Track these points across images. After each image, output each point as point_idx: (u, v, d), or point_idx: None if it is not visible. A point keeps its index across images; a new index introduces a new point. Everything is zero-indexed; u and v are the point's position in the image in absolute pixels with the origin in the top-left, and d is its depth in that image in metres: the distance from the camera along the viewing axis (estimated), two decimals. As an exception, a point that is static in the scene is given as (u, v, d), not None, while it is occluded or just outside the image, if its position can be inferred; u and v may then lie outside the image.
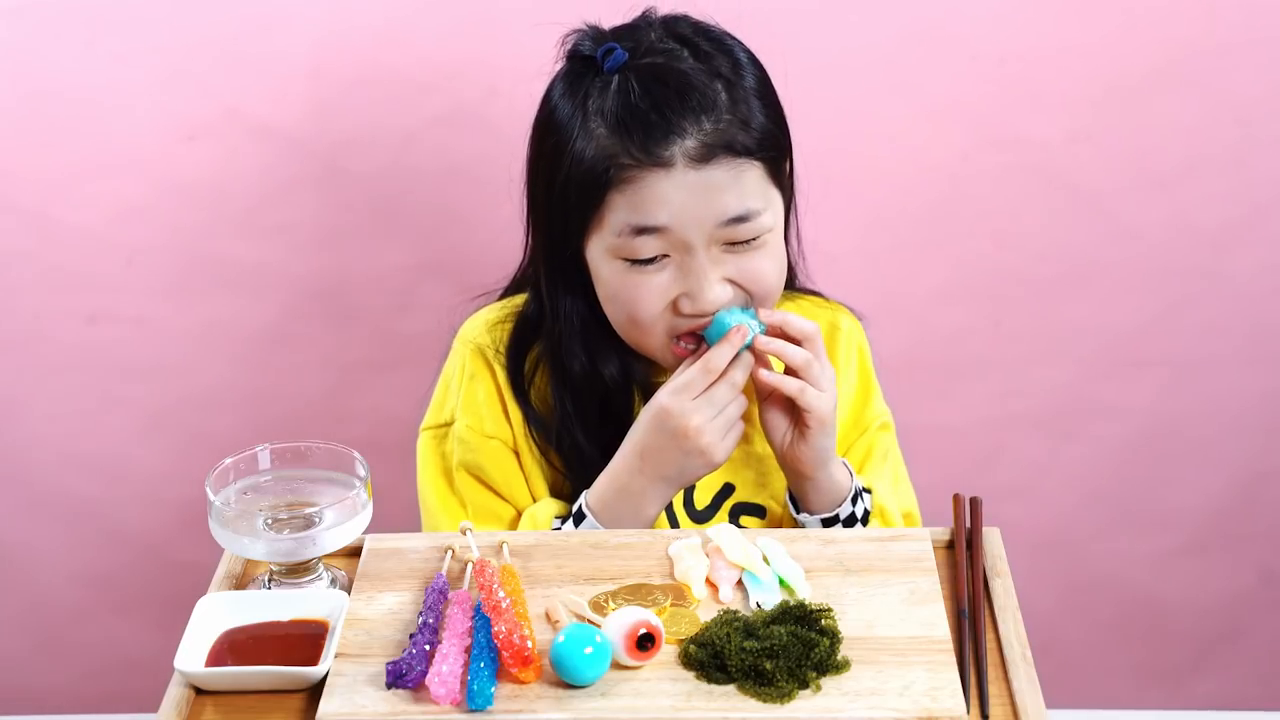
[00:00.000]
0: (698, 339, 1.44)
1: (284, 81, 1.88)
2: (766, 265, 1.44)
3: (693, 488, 1.53)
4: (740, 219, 1.40)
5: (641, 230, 1.39)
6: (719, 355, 1.40)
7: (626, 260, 1.41)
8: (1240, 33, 1.87)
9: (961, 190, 1.93)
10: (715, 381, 1.41)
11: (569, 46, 1.46)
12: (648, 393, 1.49)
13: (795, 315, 1.43)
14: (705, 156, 1.38)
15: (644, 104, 1.38)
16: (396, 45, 1.87)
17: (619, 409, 1.50)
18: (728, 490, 1.54)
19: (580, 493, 1.48)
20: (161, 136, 1.90)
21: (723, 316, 1.42)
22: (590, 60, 1.43)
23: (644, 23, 1.46)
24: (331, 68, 1.88)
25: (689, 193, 1.38)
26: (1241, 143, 1.92)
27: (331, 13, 1.86)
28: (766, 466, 1.52)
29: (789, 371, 1.43)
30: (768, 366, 1.43)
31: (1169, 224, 1.95)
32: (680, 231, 1.39)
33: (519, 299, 1.56)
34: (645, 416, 1.43)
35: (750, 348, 1.42)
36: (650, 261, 1.41)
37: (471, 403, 1.53)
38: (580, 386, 1.50)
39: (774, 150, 1.43)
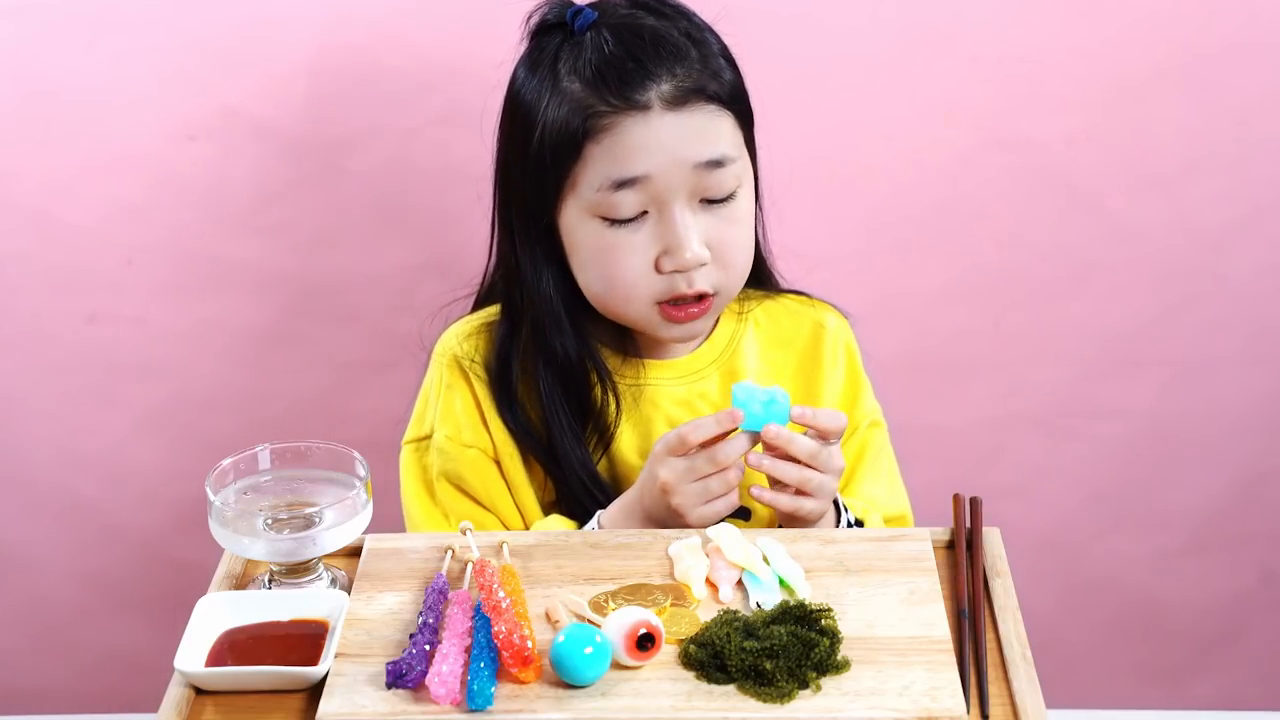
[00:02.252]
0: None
1: (283, 81, 1.88)
2: (738, 235, 1.45)
3: None
4: (716, 163, 1.41)
5: (621, 184, 1.40)
6: (698, 430, 1.37)
7: (605, 220, 1.42)
8: (1240, 33, 1.87)
9: (961, 191, 1.93)
10: (699, 450, 1.38)
11: (534, 22, 1.48)
12: (606, 377, 1.50)
13: (825, 411, 1.38)
14: (681, 101, 1.40)
15: (619, 51, 1.41)
16: (396, 45, 1.87)
17: (592, 398, 1.50)
18: None
19: (567, 498, 1.49)
20: (161, 136, 1.90)
21: (744, 399, 1.37)
22: (557, 27, 1.45)
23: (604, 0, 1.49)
24: (330, 67, 1.88)
25: (666, 136, 1.40)
26: (1241, 143, 1.92)
27: (331, 12, 1.86)
28: (749, 470, 1.51)
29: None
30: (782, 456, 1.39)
31: (1169, 224, 1.95)
32: (660, 179, 1.40)
33: (491, 310, 1.56)
34: (651, 452, 1.42)
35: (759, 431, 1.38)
36: (629, 221, 1.41)
37: (449, 413, 1.53)
38: (566, 372, 1.49)
39: (743, 105, 1.46)
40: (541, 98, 1.43)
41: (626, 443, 1.52)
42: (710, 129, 1.41)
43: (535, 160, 1.43)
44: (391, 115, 1.89)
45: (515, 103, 1.47)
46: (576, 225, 1.44)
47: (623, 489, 1.48)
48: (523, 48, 1.49)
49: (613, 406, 1.51)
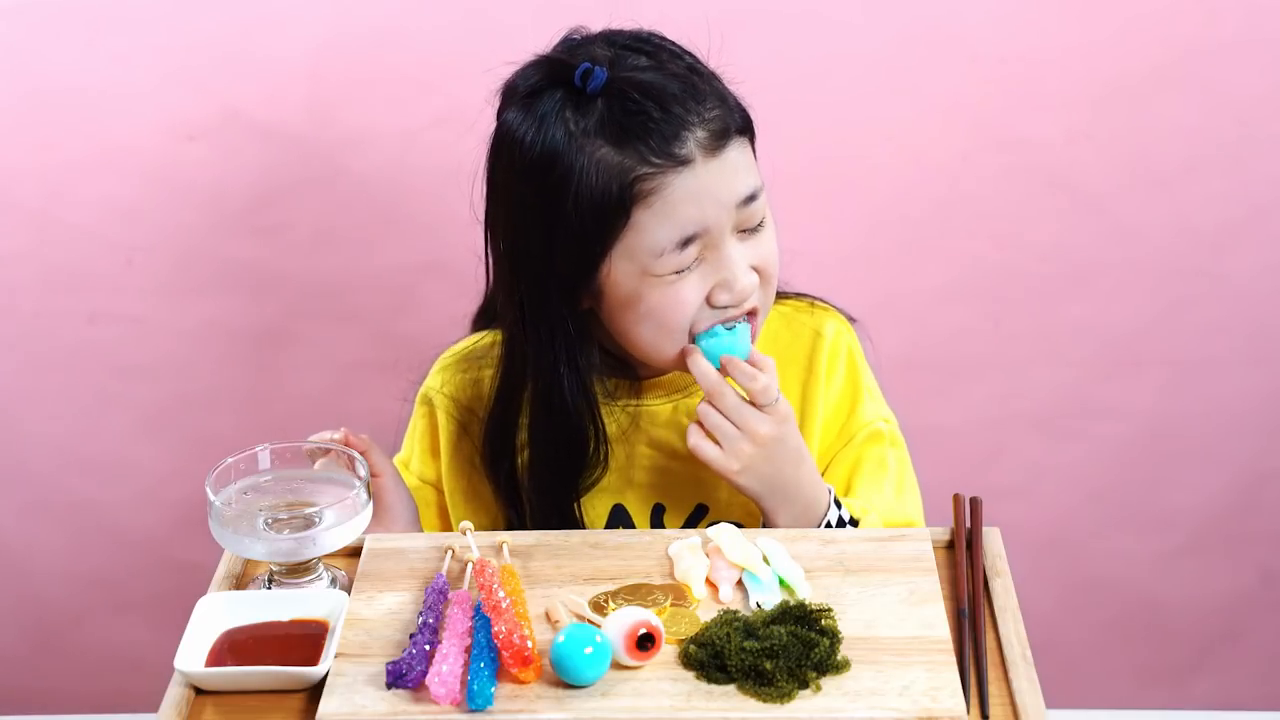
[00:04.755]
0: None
1: (284, 81, 1.88)
2: (772, 245, 1.43)
3: (662, 509, 1.52)
4: (752, 197, 1.39)
5: (687, 241, 1.37)
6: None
7: (677, 273, 1.39)
8: (1240, 33, 1.87)
9: (961, 191, 1.93)
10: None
11: (524, 89, 1.40)
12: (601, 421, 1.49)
13: (748, 371, 1.39)
14: (716, 143, 1.37)
15: (646, 105, 1.35)
16: (396, 45, 1.87)
17: (584, 448, 1.49)
18: (701, 511, 1.52)
19: (522, 521, 1.49)
20: (161, 136, 1.90)
21: (715, 343, 1.40)
22: (555, 88, 1.38)
23: (580, 41, 1.42)
24: (331, 68, 1.88)
25: (711, 182, 1.37)
26: (1241, 143, 1.92)
27: (331, 13, 1.86)
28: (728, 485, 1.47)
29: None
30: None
31: (1169, 224, 1.95)
32: (714, 223, 1.37)
33: (472, 341, 1.56)
34: None
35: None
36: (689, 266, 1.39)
37: (409, 441, 1.56)
38: (562, 426, 1.46)
39: (751, 126, 1.43)
40: (569, 158, 1.36)
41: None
42: (741, 163, 1.39)
43: (575, 230, 1.37)
44: (392, 116, 1.90)
45: (535, 161, 1.38)
46: (638, 285, 1.39)
47: (592, 514, 1.50)
48: (508, 115, 1.40)
49: (601, 462, 1.49)
